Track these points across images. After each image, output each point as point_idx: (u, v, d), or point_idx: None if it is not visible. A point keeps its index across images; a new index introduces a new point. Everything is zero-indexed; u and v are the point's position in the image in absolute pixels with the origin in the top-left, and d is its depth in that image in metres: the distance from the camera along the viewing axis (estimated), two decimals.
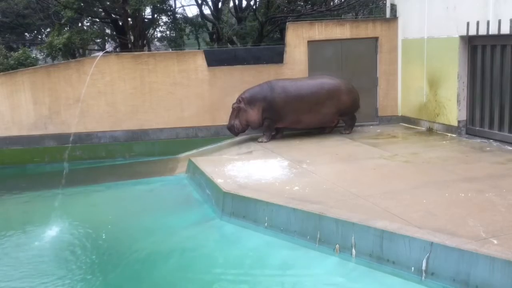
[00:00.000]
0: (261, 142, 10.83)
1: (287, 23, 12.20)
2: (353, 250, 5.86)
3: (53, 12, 15.60)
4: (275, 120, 10.87)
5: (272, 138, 11.07)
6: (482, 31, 9.39)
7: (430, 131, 11.02)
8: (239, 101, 10.77)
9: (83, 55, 18.36)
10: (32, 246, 6.97)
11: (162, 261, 6.30)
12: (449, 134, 10.47)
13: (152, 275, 5.93)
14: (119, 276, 6.05)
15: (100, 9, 16.84)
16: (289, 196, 7.02)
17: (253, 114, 10.73)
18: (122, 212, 8.31)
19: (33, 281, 5.94)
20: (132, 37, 16.23)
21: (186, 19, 19.03)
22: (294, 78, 11.26)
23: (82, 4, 14.95)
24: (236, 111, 10.76)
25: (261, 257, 6.25)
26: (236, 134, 11.05)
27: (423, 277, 5.25)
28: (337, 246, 6.01)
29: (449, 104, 10.46)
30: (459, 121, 10.31)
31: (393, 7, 12.31)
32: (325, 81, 10.98)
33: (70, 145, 11.30)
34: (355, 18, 18.97)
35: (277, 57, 11.88)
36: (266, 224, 6.83)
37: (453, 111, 10.37)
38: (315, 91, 10.76)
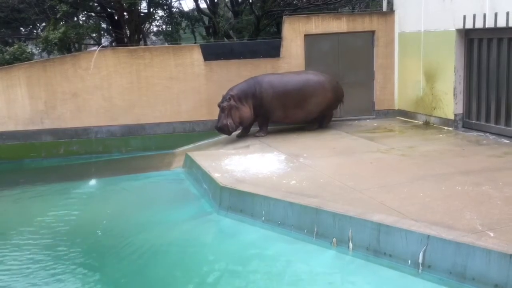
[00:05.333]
0: (259, 136, 10.81)
1: (283, 17, 12.19)
2: (350, 244, 5.87)
3: (49, 6, 15.47)
4: (266, 114, 10.83)
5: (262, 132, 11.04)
6: (479, 24, 9.38)
7: (426, 124, 11.03)
8: (229, 98, 10.41)
9: (79, 49, 18.26)
10: (27, 241, 6.96)
11: (159, 256, 6.30)
12: (445, 128, 10.49)
13: (149, 270, 5.93)
14: (116, 270, 6.05)
15: (95, 3, 16.75)
16: (286, 190, 7.02)
17: (246, 111, 10.58)
18: (119, 207, 8.31)
19: (30, 275, 5.94)
20: (128, 32, 16.15)
21: (182, 13, 18.94)
22: (279, 73, 11.20)
23: None
24: (228, 110, 10.37)
25: (258, 251, 6.26)
26: (230, 134, 10.78)
27: (420, 270, 5.26)
28: (334, 239, 6.03)
29: (445, 97, 10.47)
30: (455, 115, 10.32)
31: (390, 1, 12.29)
32: (310, 77, 10.92)
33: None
34: (352, 11, 18.93)
35: (274, 51, 11.86)
36: (263, 218, 6.83)
37: (450, 104, 10.38)
38: (301, 87, 10.70)
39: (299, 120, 11.16)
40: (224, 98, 10.49)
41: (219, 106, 10.49)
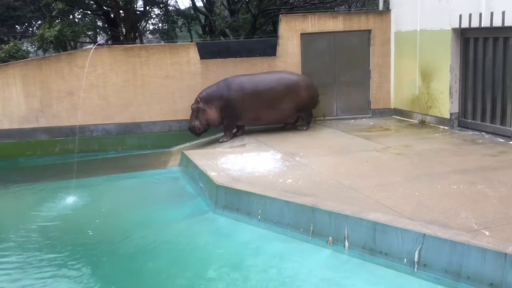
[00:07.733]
0: (223, 142, 10.70)
1: (280, 16, 12.17)
2: (346, 242, 5.88)
3: (44, 4, 15.43)
4: (234, 118, 10.79)
5: (234, 135, 10.98)
6: (475, 24, 9.40)
7: (422, 123, 11.05)
8: (197, 101, 10.66)
9: (75, 47, 18.22)
10: (21, 239, 6.93)
11: (155, 255, 6.29)
12: (441, 127, 10.51)
13: (145, 269, 5.92)
14: (112, 269, 6.04)
15: (91, 1, 16.73)
16: (283, 188, 7.03)
17: (212, 114, 10.65)
18: (115, 205, 8.29)
19: (23, 274, 5.92)
20: (124, 30, 16.12)
21: (178, 11, 18.94)
22: (252, 74, 11.15)
23: None
24: (196, 112, 10.65)
25: (254, 250, 6.26)
26: (198, 135, 10.93)
27: (415, 269, 5.27)
28: (330, 238, 6.03)
29: (441, 96, 10.49)
30: (451, 114, 10.35)
31: (386, 0, 12.30)
32: (284, 76, 10.89)
33: None
34: (348, 10, 18.96)
35: (270, 50, 11.85)
36: (259, 217, 6.83)
37: (446, 103, 10.40)
38: (273, 87, 10.65)
39: (274, 121, 11.08)
40: (195, 100, 10.75)
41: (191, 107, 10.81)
